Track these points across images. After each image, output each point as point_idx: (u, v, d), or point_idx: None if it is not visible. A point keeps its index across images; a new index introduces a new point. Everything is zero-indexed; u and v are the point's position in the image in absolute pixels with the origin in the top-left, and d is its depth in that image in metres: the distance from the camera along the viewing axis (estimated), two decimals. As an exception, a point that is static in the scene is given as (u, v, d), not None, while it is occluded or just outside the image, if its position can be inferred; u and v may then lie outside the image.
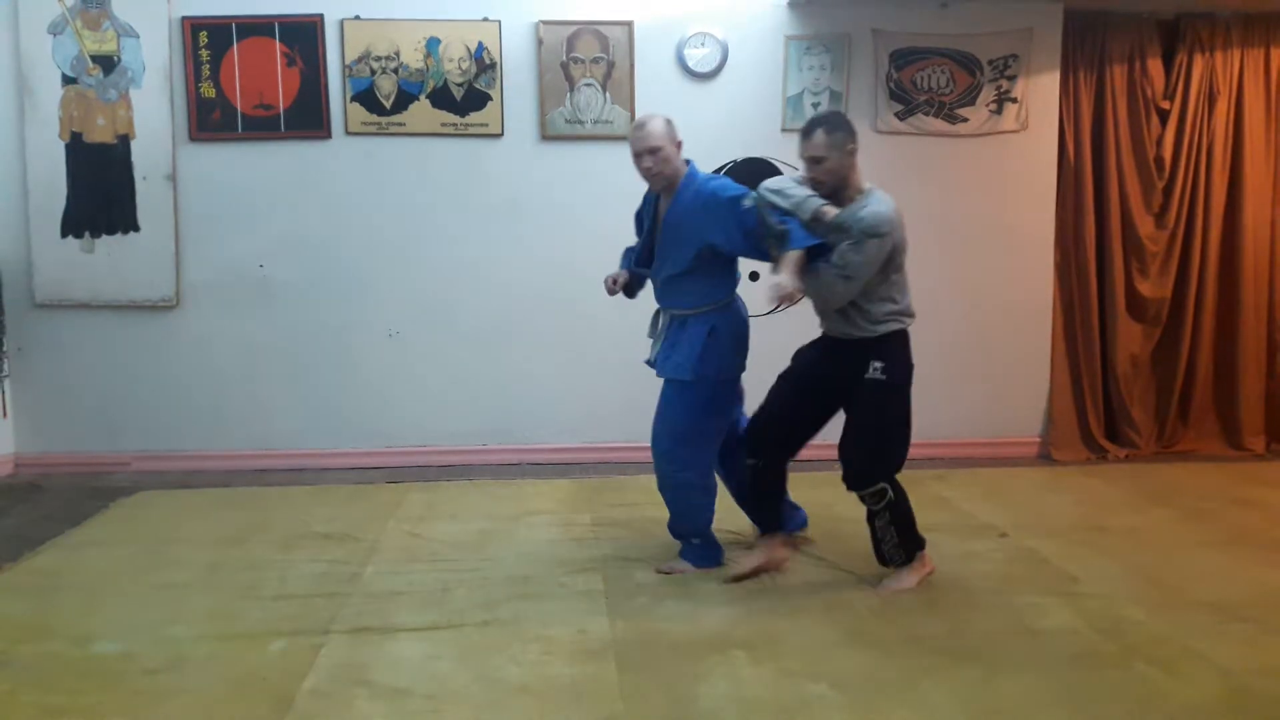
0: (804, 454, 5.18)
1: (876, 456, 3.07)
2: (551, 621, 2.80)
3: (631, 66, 4.68)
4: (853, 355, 3.06)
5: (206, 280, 4.68)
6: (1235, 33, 4.93)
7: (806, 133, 3.03)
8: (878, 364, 3.03)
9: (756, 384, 3.29)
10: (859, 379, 3.04)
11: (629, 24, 4.66)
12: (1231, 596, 3.00)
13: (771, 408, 3.19)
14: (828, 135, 2.98)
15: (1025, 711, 2.30)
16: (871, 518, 3.12)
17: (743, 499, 3.38)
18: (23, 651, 2.62)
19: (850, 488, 3.11)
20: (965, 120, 4.85)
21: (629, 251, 3.45)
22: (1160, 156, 4.96)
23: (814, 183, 3.03)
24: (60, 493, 4.31)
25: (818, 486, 4.37)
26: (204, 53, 4.55)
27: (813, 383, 3.17)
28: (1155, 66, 4.93)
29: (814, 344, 3.24)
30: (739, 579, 3.14)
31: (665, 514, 3.60)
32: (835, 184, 3.02)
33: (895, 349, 3.08)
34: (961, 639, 2.69)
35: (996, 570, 3.26)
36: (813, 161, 3.01)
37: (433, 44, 4.62)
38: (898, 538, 3.10)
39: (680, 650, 2.61)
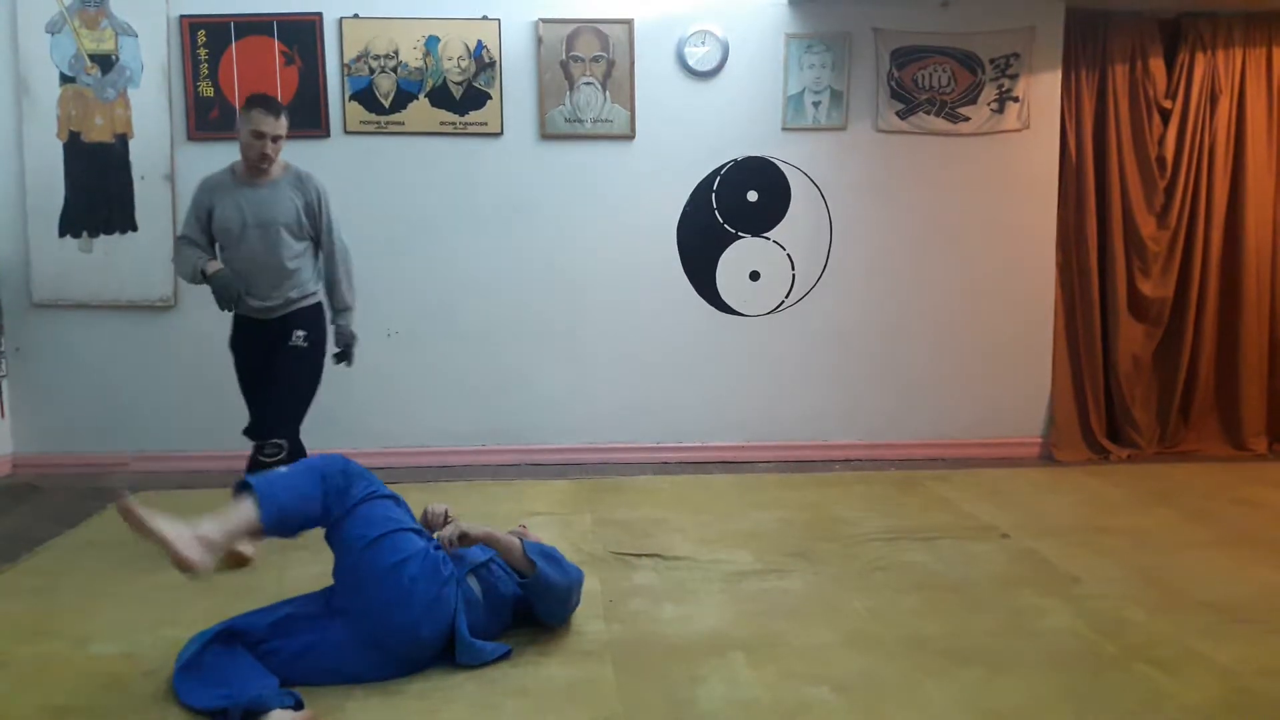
0: (802, 454, 5.16)
1: (289, 415, 3.47)
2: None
3: (631, 65, 4.67)
4: (276, 327, 3.50)
5: (206, 280, 4.67)
6: (1237, 32, 4.92)
7: (277, 112, 3.45)
8: (300, 332, 3.49)
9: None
10: (280, 347, 3.48)
11: (629, 22, 4.65)
12: (1233, 597, 2.99)
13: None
14: (288, 120, 3.50)
15: (1026, 712, 2.29)
16: (257, 466, 3.31)
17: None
18: (23, 651, 2.62)
19: (253, 438, 3.42)
20: (966, 119, 4.83)
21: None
22: (1162, 156, 4.94)
23: (263, 158, 3.47)
24: (59, 493, 4.30)
25: (814, 486, 4.38)
26: (202, 51, 4.55)
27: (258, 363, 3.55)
28: (1157, 66, 4.91)
29: (237, 331, 3.63)
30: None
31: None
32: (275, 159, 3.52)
33: (317, 318, 3.56)
34: (962, 640, 2.68)
35: (998, 571, 3.25)
36: (273, 139, 3.45)
37: (432, 42, 4.61)
38: None
39: (678, 652, 2.60)
